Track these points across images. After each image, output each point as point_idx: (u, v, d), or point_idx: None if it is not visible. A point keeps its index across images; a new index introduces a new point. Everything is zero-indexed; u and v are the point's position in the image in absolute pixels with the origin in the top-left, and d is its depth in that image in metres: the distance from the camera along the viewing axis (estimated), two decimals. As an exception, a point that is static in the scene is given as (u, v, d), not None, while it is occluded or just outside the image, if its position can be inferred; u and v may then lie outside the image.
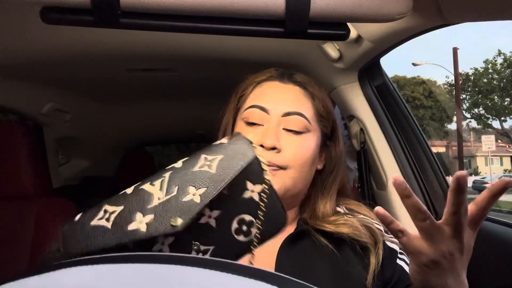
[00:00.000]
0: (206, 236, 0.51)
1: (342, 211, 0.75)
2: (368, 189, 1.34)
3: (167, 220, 0.46)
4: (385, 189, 1.23)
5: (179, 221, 0.46)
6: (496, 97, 18.42)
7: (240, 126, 0.72)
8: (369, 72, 1.28)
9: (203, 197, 0.47)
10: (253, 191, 0.53)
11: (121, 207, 0.48)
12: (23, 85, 1.58)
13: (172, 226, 0.45)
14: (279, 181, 0.67)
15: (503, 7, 0.67)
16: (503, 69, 18.20)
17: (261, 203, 0.52)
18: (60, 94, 1.78)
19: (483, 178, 17.58)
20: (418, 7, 0.76)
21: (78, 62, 1.44)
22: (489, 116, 18.72)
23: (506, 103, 18.20)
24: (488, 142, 14.53)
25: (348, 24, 0.59)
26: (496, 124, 18.96)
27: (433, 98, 21.86)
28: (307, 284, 0.31)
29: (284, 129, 0.70)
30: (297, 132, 0.70)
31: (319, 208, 0.73)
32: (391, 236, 0.74)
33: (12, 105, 1.63)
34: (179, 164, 0.52)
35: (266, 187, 0.53)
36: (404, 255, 0.72)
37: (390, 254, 0.70)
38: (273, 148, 0.67)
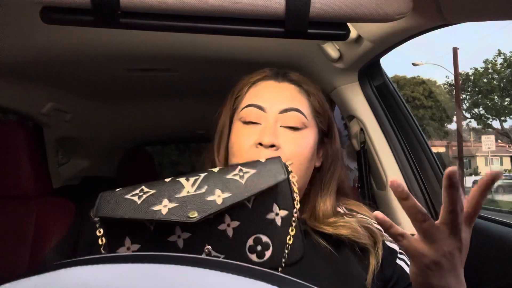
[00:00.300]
0: (220, 243, 0.53)
1: (342, 211, 0.75)
2: (368, 189, 1.34)
3: (187, 211, 0.49)
4: (385, 189, 1.23)
5: (195, 214, 0.49)
6: (496, 97, 18.41)
7: (238, 127, 0.72)
8: (369, 72, 1.28)
9: (225, 201, 0.50)
10: (277, 214, 0.54)
11: (155, 191, 0.52)
12: (23, 85, 1.58)
13: (188, 218, 0.49)
14: None
15: (503, 7, 0.67)
16: (503, 69, 18.19)
17: (282, 229, 0.53)
18: (60, 94, 1.78)
19: (483, 178, 17.54)
20: (418, 7, 0.76)
21: (78, 62, 1.44)
22: (489, 116, 18.71)
23: (506, 103, 18.19)
24: (488, 142, 14.52)
25: (348, 24, 0.58)
26: (496, 124, 18.96)
27: (433, 98, 21.85)
28: (307, 284, 0.31)
29: (282, 126, 0.70)
30: (295, 129, 0.70)
31: (319, 206, 0.73)
32: (391, 236, 0.74)
33: (12, 105, 1.63)
34: (216, 169, 0.56)
35: (292, 214, 0.54)
36: (404, 255, 0.72)
37: (390, 254, 0.70)
38: (272, 146, 0.67)
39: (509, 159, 21.31)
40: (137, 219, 0.50)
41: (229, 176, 0.53)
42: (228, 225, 0.53)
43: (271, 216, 0.54)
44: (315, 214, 0.73)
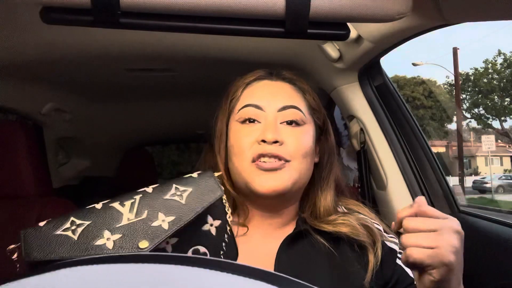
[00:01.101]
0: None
1: (341, 210, 0.76)
2: (368, 189, 1.34)
3: (135, 241, 0.47)
4: (385, 189, 1.23)
5: (146, 244, 0.47)
6: (496, 97, 18.41)
7: (236, 128, 0.72)
8: (369, 72, 1.28)
9: (171, 225, 0.49)
10: (212, 224, 0.56)
11: (89, 222, 0.49)
12: (23, 85, 1.58)
13: (139, 249, 0.47)
14: (287, 175, 0.68)
15: (503, 7, 0.67)
16: (503, 69, 18.19)
17: (217, 237, 0.55)
18: (60, 94, 1.78)
19: (483, 178, 17.57)
20: (418, 7, 0.76)
21: (78, 62, 1.44)
22: (489, 116, 18.71)
23: (506, 103, 18.19)
24: (488, 142, 14.52)
25: (348, 24, 0.58)
26: (496, 124, 18.96)
27: (433, 98, 21.85)
28: (307, 284, 0.31)
29: (281, 123, 0.70)
30: (296, 124, 0.71)
31: (319, 202, 0.73)
32: (391, 235, 0.74)
33: (12, 105, 1.63)
34: (149, 189, 0.54)
35: (225, 223, 0.56)
36: None
37: (390, 254, 0.70)
38: (276, 142, 0.68)
39: (509, 159, 21.30)
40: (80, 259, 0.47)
41: (167, 196, 0.52)
42: (167, 243, 0.53)
43: (206, 227, 0.55)
44: (316, 211, 0.73)
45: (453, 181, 13.66)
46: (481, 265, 0.95)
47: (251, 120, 0.71)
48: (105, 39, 1.25)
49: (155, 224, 0.49)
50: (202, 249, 0.54)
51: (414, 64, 18.26)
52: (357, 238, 0.68)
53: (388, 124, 1.26)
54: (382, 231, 0.73)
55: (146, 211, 0.50)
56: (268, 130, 0.68)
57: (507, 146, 21.23)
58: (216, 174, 0.59)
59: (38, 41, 1.23)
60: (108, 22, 0.52)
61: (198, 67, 1.55)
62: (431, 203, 1.18)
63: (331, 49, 1.17)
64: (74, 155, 2.33)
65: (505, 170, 19.97)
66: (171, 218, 0.50)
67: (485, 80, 18.47)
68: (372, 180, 1.34)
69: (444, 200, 1.18)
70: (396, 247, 0.72)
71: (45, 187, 1.44)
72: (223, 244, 0.56)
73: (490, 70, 18.46)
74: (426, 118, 21.34)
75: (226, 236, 0.56)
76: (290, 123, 0.71)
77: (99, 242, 0.47)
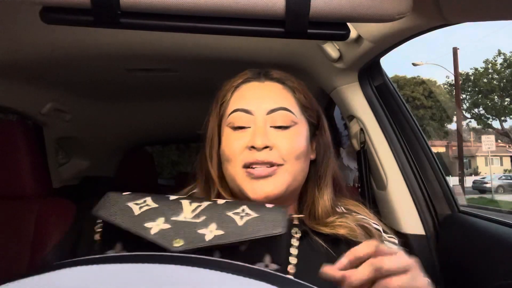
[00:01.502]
0: None
1: (340, 211, 0.75)
2: (368, 189, 1.34)
3: (174, 237, 0.48)
4: (385, 189, 1.23)
5: (181, 243, 0.47)
6: (496, 97, 18.41)
7: (227, 133, 0.71)
8: (369, 72, 1.28)
9: (215, 238, 0.48)
10: (267, 266, 0.51)
11: (156, 205, 0.52)
12: (23, 85, 1.58)
13: (172, 246, 0.47)
14: (280, 179, 0.67)
15: (503, 7, 0.67)
16: (503, 69, 18.19)
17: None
18: (60, 94, 1.78)
19: (483, 178, 17.57)
20: (418, 7, 0.76)
21: (78, 62, 1.44)
22: (489, 116, 18.71)
23: (506, 103, 18.19)
24: (488, 142, 14.52)
25: (348, 24, 0.58)
26: (496, 124, 18.96)
27: (433, 98, 21.85)
28: (307, 284, 0.31)
29: (272, 126, 0.70)
30: (285, 127, 0.70)
31: (317, 202, 0.73)
32: (390, 236, 0.74)
33: (12, 105, 1.63)
34: (221, 201, 0.53)
35: (282, 271, 0.51)
36: None
37: None
38: (266, 147, 0.67)
39: (509, 159, 21.31)
40: (127, 229, 0.49)
41: (229, 213, 0.51)
42: None
43: (259, 266, 0.51)
44: (314, 212, 0.73)
45: (453, 181, 13.67)
46: (481, 265, 0.95)
47: (242, 126, 0.70)
48: (105, 39, 1.25)
49: (200, 231, 0.49)
50: None
51: (414, 64, 18.26)
52: (355, 240, 0.68)
53: (388, 124, 1.26)
54: (381, 231, 0.73)
55: (203, 218, 0.51)
56: (257, 136, 0.67)
57: (507, 146, 21.23)
58: (295, 215, 0.57)
59: (38, 41, 1.23)
60: (108, 22, 0.52)
61: (198, 67, 1.55)
62: (431, 203, 1.18)
63: (331, 49, 1.17)
64: (74, 155, 2.33)
65: (505, 170, 19.98)
66: (220, 232, 0.49)
67: (485, 80, 18.47)
68: (372, 180, 1.34)
69: (444, 200, 1.18)
70: (395, 247, 0.72)
71: (45, 187, 1.44)
72: None
73: (490, 70, 18.47)
74: (426, 118, 21.35)
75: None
76: (280, 126, 0.70)
77: (148, 224, 0.49)
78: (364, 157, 1.33)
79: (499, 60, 18.21)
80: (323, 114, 0.79)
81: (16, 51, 1.27)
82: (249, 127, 0.70)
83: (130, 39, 1.26)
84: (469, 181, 16.53)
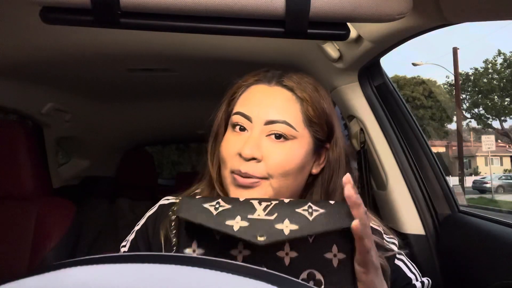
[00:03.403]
0: (275, 268, 0.53)
1: None
2: (368, 189, 1.34)
3: (256, 232, 0.54)
4: (385, 189, 1.23)
5: (263, 238, 0.53)
6: (496, 97, 18.41)
7: (228, 133, 0.71)
8: (369, 72, 1.28)
9: (291, 232, 0.53)
10: (335, 255, 0.57)
11: (230, 206, 0.57)
12: (23, 85, 1.58)
13: (256, 239, 0.53)
14: (261, 192, 0.65)
15: (503, 7, 0.67)
16: (503, 69, 18.18)
17: (337, 270, 0.56)
18: (60, 94, 1.78)
19: (483, 178, 17.57)
20: (418, 7, 0.76)
21: (78, 62, 1.44)
22: (489, 116, 18.71)
23: (506, 103, 18.19)
24: (488, 142, 14.51)
25: (348, 24, 0.58)
26: (496, 124, 18.95)
27: (433, 98, 21.85)
28: (307, 284, 0.31)
29: (268, 135, 0.67)
30: (282, 138, 0.67)
31: None
32: (390, 236, 0.74)
33: (12, 105, 1.63)
34: (287, 200, 0.59)
35: (349, 259, 0.56)
36: (403, 255, 0.72)
37: (389, 254, 0.70)
38: (253, 159, 0.65)
39: (509, 159, 21.30)
40: (212, 229, 0.55)
41: (299, 210, 0.56)
42: (287, 254, 0.56)
43: (329, 255, 0.56)
44: None
45: (453, 181, 13.67)
46: (481, 265, 0.95)
47: (242, 128, 0.68)
48: (105, 39, 1.25)
49: (278, 226, 0.54)
50: (318, 275, 0.56)
51: (414, 64, 18.26)
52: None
53: (388, 124, 1.26)
54: (382, 232, 0.73)
55: (276, 214, 0.56)
56: (247, 145, 0.65)
57: (507, 146, 21.22)
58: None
59: (38, 41, 1.23)
60: (108, 22, 0.52)
61: (198, 67, 1.55)
62: (431, 203, 1.18)
63: (331, 49, 1.17)
64: (74, 155, 2.33)
65: (505, 170, 19.97)
66: (294, 227, 0.54)
67: (485, 80, 18.47)
68: (372, 180, 1.34)
69: (444, 200, 1.18)
70: (395, 248, 0.72)
71: (45, 187, 1.44)
72: (340, 281, 0.55)
73: (490, 70, 18.46)
74: (426, 118, 21.35)
75: (344, 271, 0.56)
76: (278, 136, 0.67)
77: (230, 222, 0.55)
78: (364, 157, 1.33)
79: (499, 60, 18.21)
80: (337, 127, 0.74)
81: (16, 51, 1.27)
82: (248, 131, 0.68)
83: (130, 39, 1.26)
84: (469, 181, 16.53)
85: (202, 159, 0.79)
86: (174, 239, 0.62)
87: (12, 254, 1.31)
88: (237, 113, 0.69)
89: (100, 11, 0.51)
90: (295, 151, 0.67)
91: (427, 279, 0.71)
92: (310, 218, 0.55)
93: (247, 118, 0.68)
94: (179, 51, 1.35)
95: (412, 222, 1.16)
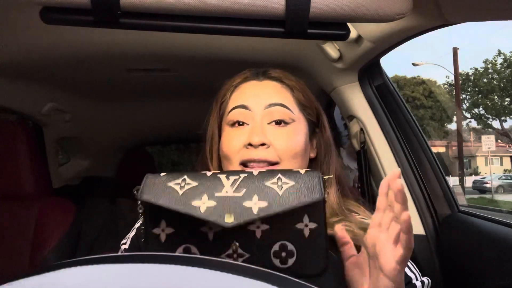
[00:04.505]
0: (247, 242, 0.55)
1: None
2: (368, 189, 1.34)
3: (223, 213, 0.52)
4: (385, 189, 1.23)
5: (231, 219, 0.51)
6: (496, 97, 18.40)
7: (227, 131, 0.72)
8: (369, 72, 1.28)
9: (260, 211, 0.52)
10: (306, 225, 0.56)
11: (196, 183, 0.55)
12: (23, 85, 1.58)
13: (224, 222, 0.51)
14: None
15: (503, 7, 0.67)
16: (503, 69, 18.18)
17: (308, 240, 0.55)
18: (60, 94, 1.78)
19: (483, 178, 17.56)
20: (418, 7, 0.76)
21: (78, 62, 1.44)
22: (489, 116, 18.70)
23: (506, 103, 18.18)
24: (488, 142, 14.51)
25: (348, 24, 0.58)
26: (496, 124, 18.95)
27: (433, 98, 21.85)
28: (307, 284, 0.31)
29: (269, 123, 0.70)
30: (284, 123, 0.70)
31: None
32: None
33: (12, 105, 1.63)
34: (256, 172, 0.57)
35: (320, 228, 0.55)
36: None
37: None
38: (263, 144, 0.67)
39: (509, 159, 21.30)
40: (177, 211, 0.52)
41: (268, 183, 0.55)
42: (258, 227, 0.55)
43: (300, 226, 0.56)
44: None
45: (453, 181, 13.66)
46: (481, 265, 0.95)
47: (240, 123, 0.71)
48: (105, 39, 1.25)
49: (246, 204, 0.52)
50: (290, 245, 0.55)
51: (414, 64, 18.26)
52: (357, 244, 0.68)
53: (388, 124, 1.26)
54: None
55: (244, 190, 0.54)
56: (254, 133, 0.68)
57: (507, 146, 21.22)
58: (326, 176, 0.58)
59: (38, 41, 1.23)
60: (108, 22, 0.52)
61: (198, 67, 1.55)
62: (431, 203, 1.18)
63: (331, 49, 1.17)
64: (74, 155, 2.33)
65: (505, 170, 19.97)
66: (263, 204, 0.52)
67: (485, 80, 18.47)
68: (372, 180, 1.34)
69: (444, 200, 1.18)
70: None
71: (45, 187, 1.44)
72: (313, 251, 0.55)
73: (490, 70, 18.46)
74: (426, 118, 21.35)
75: (317, 240, 0.55)
76: (278, 123, 0.70)
77: (196, 203, 0.52)
78: (364, 157, 1.33)
79: (499, 60, 18.20)
80: (323, 113, 0.79)
81: (16, 51, 1.27)
82: (248, 124, 0.70)
83: (130, 39, 1.26)
84: (469, 181, 16.52)
85: (195, 160, 0.80)
86: (141, 221, 0.59)
87: (12, 254, 1.31)
88: (235, 107, 0.72)
89: (100, 11, 0.51)
90: (297, 133, 0.71)
91: (427, 279, 0.71)
92: (280, 193, 0.53)
93: (246, 108, 0.71)
94: (179, 51, 1.35)
95: (412, 222, 1.16)
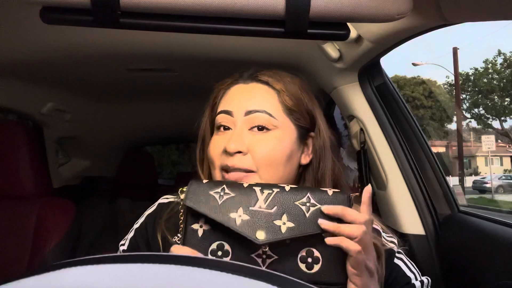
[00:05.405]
0: (277, 246, 0.58)
1: None
2: (368, 189, 1.34)
3: (255, 229, 0.57)
4: (385, 189, 1.23)
5: (262, 237, 0.56)
6: (496, 97, 18.40)
7: (214, 135, 0.73)
8: (369, 72, 1.28)
9: (288, 231, 0.57)
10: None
11: (234, 194, 0.59)
12: (23, 85, 1.58)
13: (256, 238, 0.56)
14: None
15: (503, 7, 0.67)
16: (503, 69, 18.17)
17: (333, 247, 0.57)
18: (60, 94, 1.78)
19: (483, 178, 17.56)
20: (418, 7, 0.76)
21: (78, 62, 1.44)
22: (489, 116, 18.70)
23: (506, 103, 18.18)
24: (488, 142, 14.50)
25: (348, 24, 0.58)
26: (496, 124, 18.94)
27: (433, 98, 21.84)
28: (307, 284, 0.31)
29: (250, 129, 0.69)
30: (264, 129, 0.69)
31: None
32: (389, 235, 0.74)
33: (12, 105, 1.63)
34: (288, 187, 0.61)
35: None
36: (402, 254, 0.72)
37: (388, 254, 0.70)
38: (239, 152, 0.67)
39: (509, 159, 21.30)
40: (215, 220, 0.58)
41: (297, 202, 0.58)
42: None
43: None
44: None
45: (453, 181, 13.65)
46: (481, 265, 0.95)
47: (226, 127, 0.70)
48: (105, 39, 1.25)
49: (276, 222, 0.57)
50: (316, 252, 0.58)
51: (414, 64, 18.27)
52: None
53: (388, 124, 1.26)
54: (381, 231, 0.73)
55: (275, 208, 0.58)
56: (231, 140, 0.67)
57: (507, 146, 21.21)
58: (353, 194, 0.62)
59: (38, 41, 1.23)
60: (108, 22, 0.52)
61: (198, 67, 1.55)
62: (431, 203, 1.18)
63: (331, 49, 1.17)
64: (74, 155, 2.33)
65: (505, 170, 19.96)
66: (291, 225, 0.57)
67: (485, 80, 18.46)
68: (372, 180, 1.34)
69: (444, 200, 1.18)
70: (394, 247, 0.72)
71: (45, 187, 1.44)
72: (337, 260, 0.57)
73: (490, 70, 18.45)
74: (426, 118, 21.34)
75: (344, 253, 0.57)
76: (261, 128, 0.69)
77: (232, 215, 0.58)
78: (364, 157, 1.33)
79: (499, 60, 18.19)
80: (319, 115, 0.76)
81: (16, 51, 1.27)
82: (231, 129, 0.70)
83: (130, 39, 1.26)
84: (469, 181, 16.51)
85: (194, 160, 0.80)
86: (182, 217, 0.64)
87: (12, 254, 1.31)
88: (220, 112, 0.72)
89: (100, 11, 0.51)
90: (279, 140, 0.69)
91: (426, 278, 0.71)
92: (307, 215, 0.57)
93: (229, 113, 0.70)
94: (179, 51, 1.35)
95: (412, 222, 1.16)
